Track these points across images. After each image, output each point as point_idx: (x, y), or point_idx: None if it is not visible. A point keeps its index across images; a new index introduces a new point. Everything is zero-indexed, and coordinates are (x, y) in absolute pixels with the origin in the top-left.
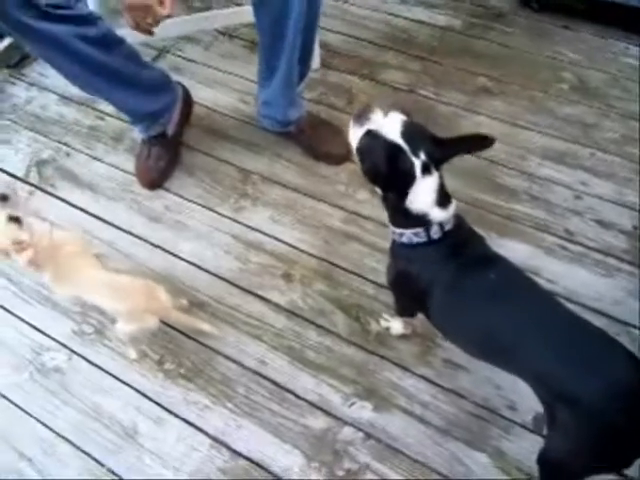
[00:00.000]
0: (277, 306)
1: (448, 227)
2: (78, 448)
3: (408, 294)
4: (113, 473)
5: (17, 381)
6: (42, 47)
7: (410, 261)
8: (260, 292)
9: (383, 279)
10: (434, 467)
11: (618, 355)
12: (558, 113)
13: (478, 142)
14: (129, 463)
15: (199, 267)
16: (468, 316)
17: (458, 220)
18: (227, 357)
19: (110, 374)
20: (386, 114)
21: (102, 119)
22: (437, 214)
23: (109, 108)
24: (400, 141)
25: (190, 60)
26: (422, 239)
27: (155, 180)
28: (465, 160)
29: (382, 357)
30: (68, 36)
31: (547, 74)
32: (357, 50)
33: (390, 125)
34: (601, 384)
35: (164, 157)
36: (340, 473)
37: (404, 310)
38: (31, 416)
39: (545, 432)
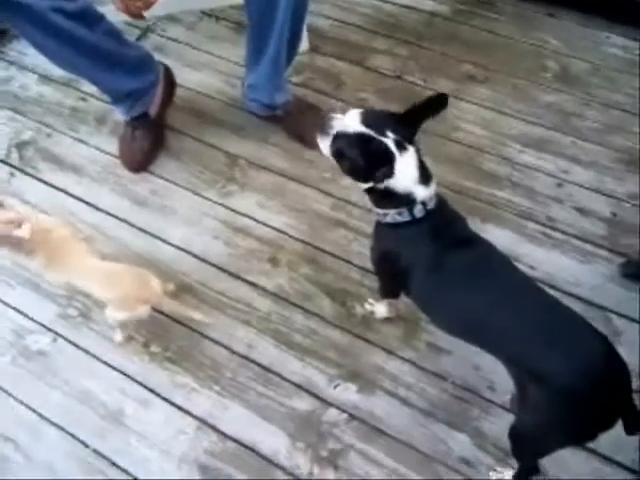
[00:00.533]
0: (264, 290)
1: (430, 206)
2: (64, 430)
3: (391, 274)
4: (100, 455)
5: (0, 364)
6: (20, 22)
7: (393, 241)
8: (247, 277)
9: (369, 264)
10: (417, 447)
11: (586, 333)
12: (541, 101)
13: (435, 104)
14: (116, 445)
15: (186, 251)
16: (447, 295)
17: (440, 200)
18: (214, 341)
19: (95, 357)
20: (344, 114)
21: (84, 100)
22: (420, 192)
23: (91, 89)
24: (364, 129)
25: (174, 40)
26: (406, 218)
27: (139, 163)
28: (449, 147)
29: (367, 340)
30: (46, 9)
31: (531, 62)
32: (345, 35)
33: (350, 121)
34: (569, 361)
35: (148, 139)
36: (324, 454)
37: (388, 291)
38: (15, 399)
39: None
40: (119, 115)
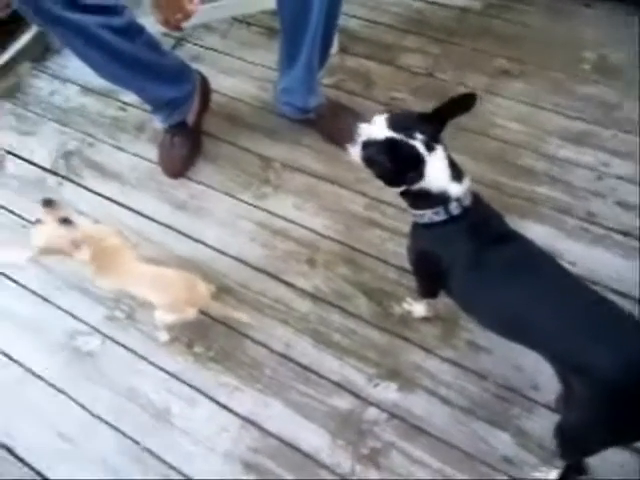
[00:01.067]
0: (302, 291)
1: (466, 203)
2: (114, 428)
3: (430, 273)
4: (149, 451)
5: (53, 365)
6: (69, 37)
7: (431, 240)
8: (285, 277)
9: (405, 263)
10: (458, 445)
11: (631, 327)
12: (579, 94)
13: (462, 103)
14: (163, 442)
15: (224, 253)
16: (488, 292)
17: (475, 197)
18: (254, 341)
19: (142, 357)
20: (369, 121)
21: (124, 109)
22: (454, 189)
23: (130, 98)
24: (392, 134)
25: (208, 48)
26: (442, 217)
27: (178, 169)
28: (484, 143)
29: (405, 339)
30: (95, 26)
31: (567, 54)
32: (375, 34)
33: (377, 127)
34: (616, 356)
35: (186, 145)
36: (365, 451)
37: (426, 291)
38: (68, 397)
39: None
40: (158, 123)
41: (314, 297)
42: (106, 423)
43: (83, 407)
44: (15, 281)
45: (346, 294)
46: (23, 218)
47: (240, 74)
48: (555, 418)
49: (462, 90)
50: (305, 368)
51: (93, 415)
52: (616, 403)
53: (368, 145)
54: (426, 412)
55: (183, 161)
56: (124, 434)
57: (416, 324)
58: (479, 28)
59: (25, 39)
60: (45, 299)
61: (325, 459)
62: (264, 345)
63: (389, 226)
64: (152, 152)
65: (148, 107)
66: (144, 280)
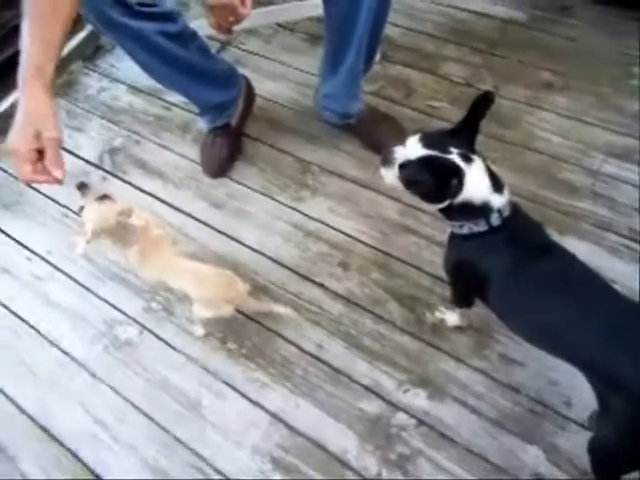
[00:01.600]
0: (335, 293)
1: (506, 214)
2: (146, 415)
3: (467, 282)
4: (178, 440)
5: (93, 352)
6: (128, 42)
7: (470, 250)
8: (318, 279)
9: (439, 271)
10: (487, 457)
11: None
12: (625, 109)
13: (483, 104)
14: (193, 433)
15: (260, 253)
16: (527, 303)
17: (515, 208)
18: (286, 340)
19: (177, 350)
20: (403, 144)
21: (169, 109)
22: (496, 200)
23: (175, 99)
24: (427, 152)
25: (252, 53)
26: (483, 227)
27: (219, 169)
28: (526, 156)
29: (437, 348)
30: (152, 32)
31: (616, 69)
32: (417, 43)
33: (411, 148)
34: None
35: (227, 147)
36: (393, 457)
37: (461, 300)
38: (104, 383)
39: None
40: (203, 125)
41: (347, 300)
42: (139, 410)
43: (118, 393)
44: (61, 271)
45: (379, 299)
46: (68, 208)
47: (282, 79)
48: (588, 436)
49: (504, 102)
50: (336, 370)
51: (127, 402)
52: None
53: (405, 166)
54: (455, 422)
55: (224, 162)
56: (155, 422)
57: (448, 333)
58: (523, 40)
59: (78, 39)
60: (87, 289)
61: (352, 461)
62: (296, 345)
63: (424, 233)
64: (195, 152)
65: (194, 109)
66: (185, 275)
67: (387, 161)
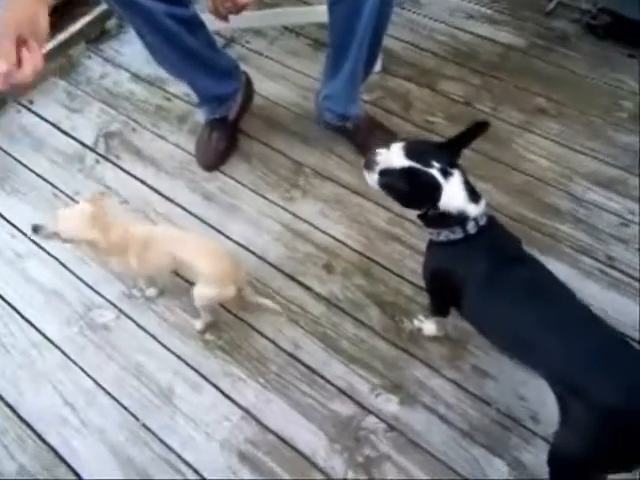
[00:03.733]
0: (317, 295)
1: (482, 223)
2: (117, 401)
3: (443, 290)
4: (147, 429)
5: (68, 333)
6: (138, 21)
7: (447, 258)
8: (303, 279)
9: (421, 281)
10: (453, 467)
11: (635, 356)
12: (615, 141)
13: (476, 130)
14: (163, 422)
15: (247, 249)
16: (498, 309)
17: (491, 219)
18: (264, 336)
19: (153, 337)
20: (387, 148)
21: (169, 100)
22: (472, 209)
23: (176, 90)
24: (410, 163)
25: (255, 52)
26: (459, 235)
27: (213, 162)
28: (513, 176)
29: (412, 355)
30: (162, 13)
31: (606, 101)
32: (418, 59)
33: (395, 155)
34: (614, 379)
35: (223, 141)
36: (360, 459)
37: (438, 309)
38: (77, 365)
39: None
40: (203, 115)
41: (328, 302)
42: (110, 395)
43: (90, 377)
44: (44, 249)
45: (360, 304)
46: (57, 188)
47: (283, 80)
48: None
49: (498, 123)
50: (311, 370)
51: (98, 386)
52: (613, 427)
53: (386, 173)
54: (425, 429)
55: (218, 155)
56: (126, 409)
57: (424, 342)
58: (521, 66)
59: (83, 21)
60: (68, 269)
61: (320, 462)
62: (273, 342)
63: (409, 243)
64: (191, 144)
65: (194, 99)
66: (198, 248)
67: (369, 165)
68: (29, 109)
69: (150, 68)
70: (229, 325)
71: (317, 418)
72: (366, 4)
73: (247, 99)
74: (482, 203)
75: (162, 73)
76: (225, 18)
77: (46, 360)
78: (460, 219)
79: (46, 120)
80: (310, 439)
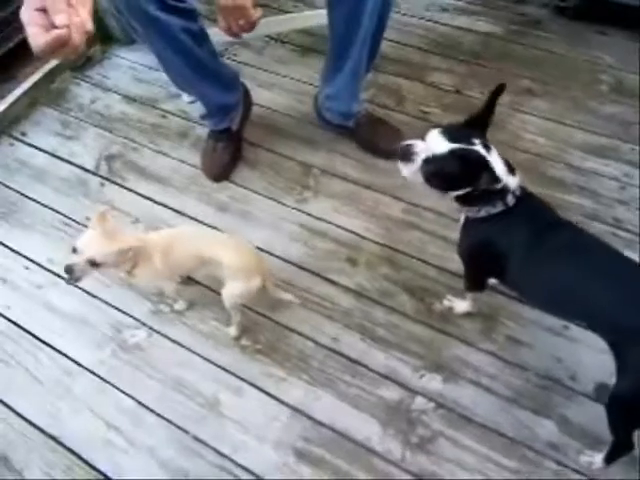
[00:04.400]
0: (345, 288)
1: (518, 194)
2: (163, 418)
3: (485, 263)
4: (199, 440)
5: (101, 357)
6: (155, 37)
7: (489, 231)
8: (328, 275)
9: (444, 263)
10: (504, 433)
11: None
12: (599, 112)
13: (495, 96)
14: (213, 431)
15: (268, 252)
16: (547, 271)
17: (523, 189)
18: (300, 334)
19: (189, 349)
20: (422, 139)
21: (165, 117)
22: (512, 182)
23: (171, 107)
24: (454, 145)
25: (245, 64)
26: (500, 208)
27: (221, 173)
28: (513, 154)
29: (447, 334)
30: (178, 28)
31: (586, 76)
32: (405, 55)
33: (435, 142)
34: None
35: (229, 151)
36: (415, 439)
37: (476, 284)
38: (116, 388)
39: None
40: (208, 127)
41: (358, 294)
42: (154, 413)
43: (131, 397)
44: (62, 277)
45: (389, 291)
46: (66, 216)
47: (276, 87)
48: (594, 406)
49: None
50: (352, 361)
51: (140, 405)
52: None
53: (431, 160)
54: (471, 402)
55: (226, 166)
56: (172, 423)
57: (457, 320)
58: (502, 52)
59: None
60: (92, 295)
61: (376, 447)
62: (310, 339)
63: (427, 229)
64: (194, 157)
65: (191, 116)
66: (224, 244)
67: (407, 157)
68: (23, 141)
69: (140, 88)
70: (264, 328)
71: (366, 406)
72: (367, 5)
73: (247, 108)
74: (518, 174)
75: (153, 92)
76: (237, 35)
77: (82, 386)
78: (502, 192)
79: (42, 150)
80: (363, 427)
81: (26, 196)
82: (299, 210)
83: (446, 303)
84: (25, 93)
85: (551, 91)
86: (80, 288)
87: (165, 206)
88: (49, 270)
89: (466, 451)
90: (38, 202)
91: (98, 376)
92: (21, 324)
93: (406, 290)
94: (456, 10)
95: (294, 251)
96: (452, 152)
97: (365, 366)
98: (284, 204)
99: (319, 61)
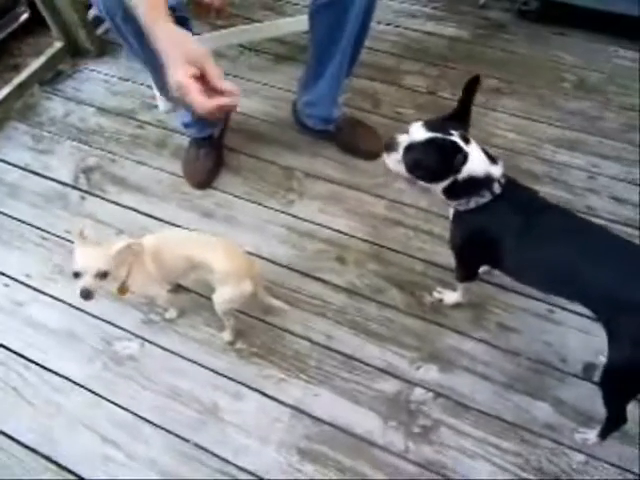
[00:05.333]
0: (336, 286)
1: (503, 182)
2: (161, 427)
3: (478, 253)
4: (200, 447)
5: (91, 371)
6: (149, 48)
7: (479, 221)
8: (318, 275)
9: (431, 257)
10: (502, 417)
11: None
12: (565, 108)
13: (472, 87)
14: (215, 437)
15: (257, 255)
16: (541, 253)
17: (508, 177)
18: (295, 334)
19: (183, 357)
20: (406, 131)
21: (142, 128)
22: (495, 171)
23: (147, 117)
24: (432, 135)
25: None
26: (488, 197)
27: (204, 179)
28: (490, 151)
29: (440, 325)
30: None
31: (550, 75)
32: (378, 60)
33: (416, 132)
34: None
35: (211, 158)
36: (416, 430)
37: (469, 274)
38: (110, 402)
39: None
40: (189, 135)
41: (349, 291)
42: (152, 424)
43: (125, 409)
44: (44, 293)
45: (379, 287)
46: (45, 230)
47: (254, 94)
48: (586, 385)
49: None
50: (348, 357)
51: (137, 417)
52: None
53: (411, 147)
54: (468, 389)
55: (209, 172)
56: (172, 433)
57: (447, 311)
58: (470, 54)
59: (38, 63)
60: (77, 308)
61: (379, 440)
62: (305, 338)
63: (411, 224)
64: (174, 166)
65: (169, 125)
66: (214, 247)
67: (391, 147)
68: None
69: (114, 100)
70: (258, 330)
71: (365, 401)
72: (350, 13)
73: (227, 115)
74: (500, 163)
75: (128, 103)
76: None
77: (74, 403)
78: (487, 181)
79: (15, 165)
80: (364, 421)
81: (1, 212)
82: (285, 212)
83: (436, 295)
84: None
85: (518, 89)
86: (63, 302)
87: (149, 215)
88: (29, 286)
89: (467, 437)
90: (14, 218)
91: (90, 391)
92: (5, 344)
93: (395, 285)
94: (425, 16)
95: (283, 253)
96: (430, 140)
97: (361, 361)
98: (269, 207)
99: (294, 68)
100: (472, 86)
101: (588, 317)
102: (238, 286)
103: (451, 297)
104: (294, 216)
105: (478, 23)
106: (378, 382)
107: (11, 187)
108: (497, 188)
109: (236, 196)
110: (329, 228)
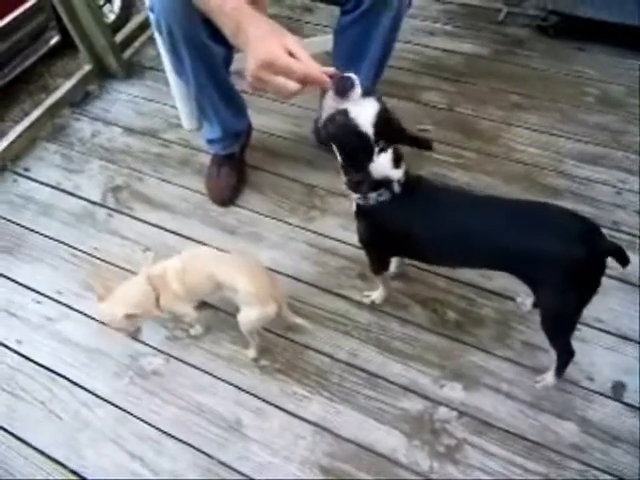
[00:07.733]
0: (359, 303)
1: (402, 181)
2: (186, 443)
3: (386, 244)
4: (223, 464)
5: (119, 386)
6: (198, 62)
7: (382, 215)
8: (340, 291)
9: (452, 273)
10: (527, 437)
11: (567, 216)
12: (588, 122)
13: (419, 143)
14: (237, 454)
15: (279, 272)
16: (446, 234)
17: (410, 175)
18: (318, 351)
19: (208, 373)
20: (364, 96)
21: (167, 147)
22: (394, 173)
23: (172, 136)
24: (368, 129)
25: (242, 91)
26: (387, 197)
27: (227, 197)
28: (509, 166)
29: (463, 342)
30: (221, 56)
31: (571, 90)
32: (395, 77)
33: (364, 112)
34: (562, 236)
35: (233, 175)
36: (441, 449)
37: (380, 266)
38: (136, 417)
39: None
40: (212, 152)
41: (371, 308)
42: (176, 439)
43: (151, 425)
44: (75, 309)
45: (401, 304)
46: (74, 247)
47: (273, 113)
48: (613, 404)
49: (484, 122)
50: (371, 374)
51: (162, 432)
52: (577, 269)
53: (345, 115)
54: (493, 408)
55: (231, 190)
56: (196, 449)
57: (472, 328)
58: (488, 70)
59: (67, 86)
60: (104, 324)
61: (402, 459)
62: (328, 355)
63: None
64: (198, 184)
65: (192, 144)
66: (238, 267)
67: (341, 93)
68: (26, 176)
69: (140, 120)
70: (281, 347)
71: (389, 419)
72: (375, 33)
73: (248, 133)
74: (403, 166)
75: (154, 123)
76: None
77: (101, 418)
78: (384, 183)
79: (46, 184)
80: (388, 440)
81: (32, 230)
82: (307, 229)
83: (366, 300)
84: (26, 130)
85: (539, 105)
86: (92, 318)
87: (174, 233)
88: (59, 302)
89: (492, 457)
90: (45, 235)
91: (117, 406)
92: (34, 358)
93: (418, 301)
94: (442, 34)
95: (305, 269)
96: (359, 130)
97: (385, 379)
98: (291, 224)
99: (315, 86)
100: (419, 145)
101: (616, 335)
102: (262, 307)
103: (378, 294)
104: (316, 232)
105: (497, 39)
106: (402, 400)
107: (42, 205)
108: (396, 187)
109: (258, 213)
110: (351, 245)
